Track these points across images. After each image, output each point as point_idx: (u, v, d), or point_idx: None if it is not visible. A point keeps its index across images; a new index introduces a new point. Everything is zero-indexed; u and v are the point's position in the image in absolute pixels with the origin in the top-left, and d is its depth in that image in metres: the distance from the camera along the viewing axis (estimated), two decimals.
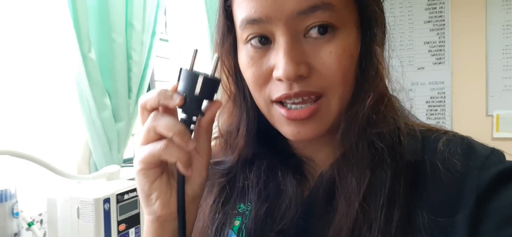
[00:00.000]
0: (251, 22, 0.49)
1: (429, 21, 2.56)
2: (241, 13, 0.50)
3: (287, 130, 0.51)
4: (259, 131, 0.58)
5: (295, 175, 0.56)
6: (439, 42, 2.55)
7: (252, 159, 0.59)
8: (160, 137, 0.46)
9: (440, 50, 2.55)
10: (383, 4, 0.54)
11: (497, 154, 0.50)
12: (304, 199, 0.55)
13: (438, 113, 2.59)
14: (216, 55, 0.49)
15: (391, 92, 0.55)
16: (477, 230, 0.45)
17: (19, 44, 1.14)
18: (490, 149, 0.50)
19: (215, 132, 0.61)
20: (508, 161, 0.49)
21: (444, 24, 2.53)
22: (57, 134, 1.24)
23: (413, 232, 0.47)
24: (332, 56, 0.48)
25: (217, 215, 0.58)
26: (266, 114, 0.54)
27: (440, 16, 2.53)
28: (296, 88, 0.48)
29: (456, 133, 0.54)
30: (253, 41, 0.51)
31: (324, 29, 0.48)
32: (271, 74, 0.50)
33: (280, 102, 0.50)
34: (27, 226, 0.97)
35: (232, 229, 0.57)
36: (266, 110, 0.53)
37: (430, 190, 0.48)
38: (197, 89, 0.46)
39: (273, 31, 0.48)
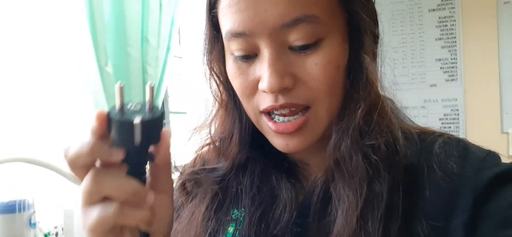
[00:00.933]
0: (236, 35, 0.48)
1: (440, 38, 2.56)
2: (225, 24, 0.49)
3: (276, 142, 0.51)
4: (252, 135, 0.57)
5: (290, 179, 0.55)
6: (451, 59, 2.54)
7: (245, 163, 0.58)
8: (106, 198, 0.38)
9: (452, 67, 2.54)
10: (373, 9, 0.53)
11: (492, 157, 0.49)
12: (299, 203, 0.53)
13: (452, 131, 2.56)
14: (148, 83, 0.40)
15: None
16: (474, 233, 0.44)
17: (35, 53, 1.16)
18: (486, 152, 0.50)
19: (207, 138, 0.61)
20: (504, 164, 0.48)
21: (455, 41, 2.52)
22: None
23: None
24: (317, 68, 0.47)
25: (210, 222, 0.57)
26: (255, 123, 0.53)
27: (451, 33, 2.53)
28: (281, 100, 0.48)
29: (452, 135, 0.53)
30: (238, 57, 0.50)
31: (307, 43, 0.47)
32: (257, 85, 0.49)
33: (268, 113, 0.50)
34: None
35: (225, 236, 0.55)
36: (255, 120, 0.53)
37: (427, 194, 0.48)
38: (137, 139, 0.36)
39: (258, 44, 0.48)
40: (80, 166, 0.38)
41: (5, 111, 1.08)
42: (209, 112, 0.60)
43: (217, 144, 0.60)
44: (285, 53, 0.48)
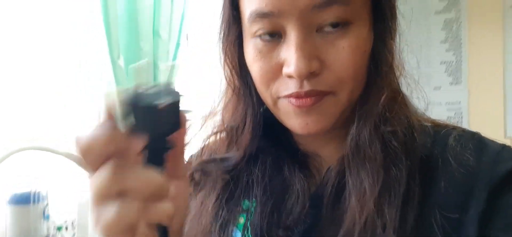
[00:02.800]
0: (262, 15, 0.47)
1: (445, 41, 2.56)
2: (250, 5, 0.48)
3: (294, 123, 0.50)
4: (264, 125, 0.56)
5: (302, 170, 0.54)
6: (456, 62, 2.54)
7: (256, 154, 0.57)
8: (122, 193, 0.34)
9: (457, 70, 2.54)
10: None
11: (508, 150, 0.49)
12: (312, 194, 0.53)
13: None
14: (173, 62, 0.40)
15: (405, 89, 0.54)
16: (488, 227, 0.44)
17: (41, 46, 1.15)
18: (501, 145, 0.50)
19: (215, 127, 0.59)
20: None
21: (460, 44, 2.53)
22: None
23: (427, 230, 0.46)
24: (345, 52, 0.46)
25: (221, 212, 0.55)
26: (272, 109, 0.52)
27: (457, 37, 2.54)
28: (306, 87, 0.46)
29: (465, 128, 0.54)
30: (262, 35, 0.48)
31: (337, 23, 0.46)
32: (280, 69, 0.48)
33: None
34: (56, 230, 0.96)
35: (236, 227, 0.54)
36: (272, 105, 0.51)
37: (442, 186, 0.47)
38: (163, 125, 0.34)
39: (284, 25, 0.46)
40: (95, 156, 0.33)
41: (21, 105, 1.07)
42: (219, 99, 0.59)
43: (227, 133, 0.59)
44: (312, 36, 0.46)
